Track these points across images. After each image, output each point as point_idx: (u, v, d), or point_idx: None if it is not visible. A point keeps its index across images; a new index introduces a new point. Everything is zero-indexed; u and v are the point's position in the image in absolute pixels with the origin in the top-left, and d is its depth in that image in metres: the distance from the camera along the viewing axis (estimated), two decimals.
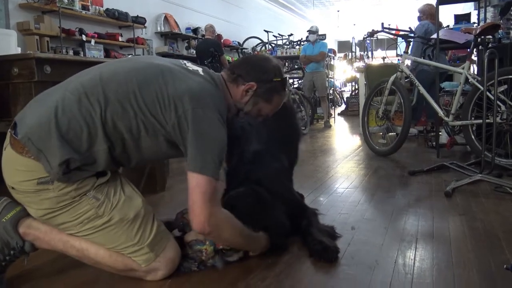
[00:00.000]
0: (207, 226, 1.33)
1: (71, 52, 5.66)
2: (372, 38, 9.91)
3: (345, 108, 10.15)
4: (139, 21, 7.02)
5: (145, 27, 7.23)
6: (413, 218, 2.10)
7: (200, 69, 1.54)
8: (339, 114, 9.60)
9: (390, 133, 4.21)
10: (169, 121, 1.37)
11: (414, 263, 1.56)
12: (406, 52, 3.84)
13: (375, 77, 4.87)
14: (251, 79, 1.55)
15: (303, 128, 6.35)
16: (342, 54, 12.10)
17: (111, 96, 1.37)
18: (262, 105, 1.60)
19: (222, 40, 8.84)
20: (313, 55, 7.02)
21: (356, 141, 5.29)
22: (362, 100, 5.34)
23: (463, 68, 3.43)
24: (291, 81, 7.52)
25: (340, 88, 13.13)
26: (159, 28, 7.79)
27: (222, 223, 1.39)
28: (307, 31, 7.29)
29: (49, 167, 1.32)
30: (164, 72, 1.43)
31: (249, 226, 1.54)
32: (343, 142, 5.44)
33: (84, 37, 5.93)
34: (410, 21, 6.84)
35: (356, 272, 1.51)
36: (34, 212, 1.41)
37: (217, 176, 1.34)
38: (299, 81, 8.45)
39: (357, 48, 11.08)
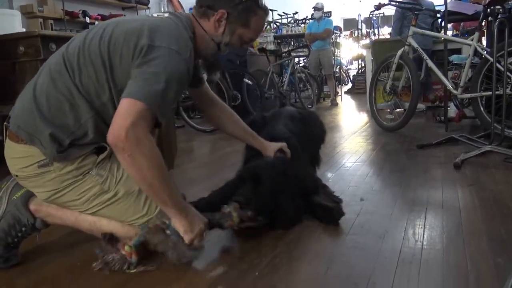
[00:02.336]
0: (122, 138, 1.19)
1: None
2: (378, 15, 9.78)
3: (351, 87, 10.06)
4: (143, 2, 6.96)
5: (148, 8, 7.17)
6: (422, 189, 2.09)
7: (167, 14, 1.45)
8: (345, 93, 9.51)
9: (398, 110, 4.17)
10: (127, 61, 1.30)
11: (424, 232, 1.56)
12: (414, 25, 3.76)
13: (382, 53, 4.80)
14: (219, 6, 1.45)
15: (310, 106, 6.32)
16: (348, 32, 11.91)
17: (82, 65, 1.34)
18: (241, 31, 1.48)
19: None
20: (318, 32, 6.92)
21: (363, 118, 5.25)
22: (369, 78, 5.28)
23: (472, 40, 3.37)
24: (296, 60, 7.43)
25: (347, 67, 12.99)
26: (162, 9, 7.71)
27: (141, 145, 1.22)
28: (312, 8, 7.18)
29: (43, 148, 1.33)
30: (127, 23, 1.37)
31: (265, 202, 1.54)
32: (350, 119, 5.40)
33: (87, 19, 5.89)
34: None
35: (366, 241, 1.51)
36: (40, 195, 1.42)
37: (156, 109, 1.23)
38: (305, 60, 8.36)
39: (363, 26, 10.91)
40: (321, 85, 7.88)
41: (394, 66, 3.88)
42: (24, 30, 3.02)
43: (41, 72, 1.41)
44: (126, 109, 1.22)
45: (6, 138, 1.42)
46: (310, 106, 6.37)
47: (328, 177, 2.43)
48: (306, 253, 1.45)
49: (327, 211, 1.67)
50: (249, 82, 5.24)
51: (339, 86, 8.95)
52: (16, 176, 1.42)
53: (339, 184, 2.26)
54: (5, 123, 1.43)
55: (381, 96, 4.21)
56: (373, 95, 4.22)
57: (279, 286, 1.24)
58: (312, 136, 2.21)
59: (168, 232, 1.36)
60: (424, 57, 3.73)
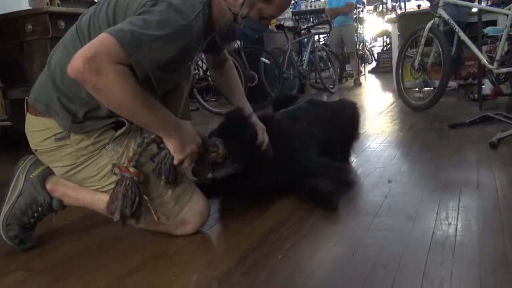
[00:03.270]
0: (80, 69, 1.14)
1: None
2: None
3: (376, 65, 9.92)
4: None
5: None
6: (455, 170, 2.06)
7: None
8: (369, 72, 9.41)
9: (427, 88, 4.10)
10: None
11: (458, 213, 1.54)
12: None
13: (410, 26, 4.70)
14: None
15: (331, 87, 6.27)
16: (371, 7, 11.69)
17: (92, 31, 1.35)
18: (261, 6, 1.45)
19: None
20: (339, 7, 6.80)
21: (389, 98, 5.18)
22: (395, 55, 5.19)
23: (509, 10, 3.26)
24: (316, 37, 7.36)
25: (370, 44, 12.79)
26: None
27: (103, 75, 1.16)
28: None
29: (59, 119, 1.37)
30: None
31: None
32: (375, 99, 5.34)
33: None
34: None
35: (395, 223, 1.50)
36: (58, 171, 1.45)
37: (131, 53, 1.18)
38: (326, 37, 8.27)
39: None
40: (343, 64, 7.79)
41: (423, 41, 3.80)
42: (30, 8, 3.05)
43: (57, 46, 1.45)
44: (94, 42, 1.18)
45: (27, 113, 1.46)
46: (332, 86, 6.31)
47: (354, 157, 2.42)
48: (331, 236, 1.45)
49: (317, 195, 1.69)
50: (267, 61, 5.21)
51: (363, 64, 8.84)
52: (35, 150, 1.46)
53: (364, 166, 2.24)
54: (25, 97, 1.47)
55: (408, 73, 4.15)
56: (400, 72, 4.15)
57: (304, 268, 1.24)
58: (340, 129, 2.20)
59: (161, 145, 1.38)
60: (456, 30, 3.64)
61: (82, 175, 1.43)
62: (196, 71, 5.15)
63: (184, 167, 1.41)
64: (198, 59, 5.05)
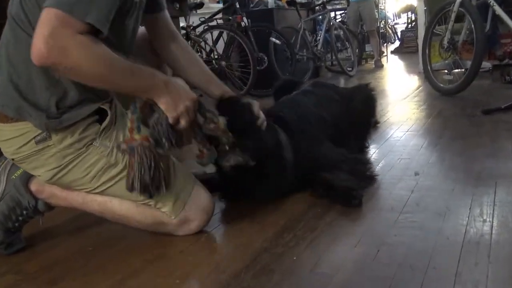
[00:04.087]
0: (44, 53, 1.15)
1: None
2: None
3: (399, 45, 9.84)
4: None
5: None
6: (491, 161, 2.04)
7: None
8: (392, 52, 9.32)
9: (458, 69, 4.06)
10: None
11: (493, 209, 1.53)
12: None
13: (438, 1, 4.65)
14: None
15: (350, 69, 6.23)
16: None
17: (29, 13, 1.31)
18: None
19: None
20: None
21: (414, 81, 5.14)
22: (421, 33, 5.15)
23: None
24: (332, 14, 7.31)
25: (393, 21, 12.68)
26: None
27: (70, 52, 1.17)
28: None
29: (33, 120, 1.34)
30: None
31: None
32: (399, 83, 5.31)
33: None
34: None
35: (423, 220, 1.49)
36: (43, 176, 1.44)
37: (80, 13, 1.17)
38: (343, 13, 8.20)
39: None
40: (363, 43, 7.74)
41: (453, 16, 3.76)
42: None
43: (6, 30, 1.39)
44: (42, 21, 1.16)
45: None
46: (350, 69, 6.27)
47: (376, 147, 2.41)
48: (351, 234, 1.45)
49: (336, 191, 1.69)
50: (277, 41, 5.19)
51: (384, 44, 8.77)
52: (13, 159, 1.44)
53: (388, 157, 2.23)
54: None
55: (437, 53, 4.11)
56: (427, 52, 4.12)
57: (322, 271, 1.24)
58: (352, 114, 2.20)
59: (154, 108, 1.36)
60: (491, 4, 3.60)
61: (70, 177, 1.42)
62: (199, 53, 5.15)
63: (181, 127, 1.37)
64: (201, 40, 5.05)
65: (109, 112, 1.41)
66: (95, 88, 1.34)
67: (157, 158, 1.34)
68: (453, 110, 3.26)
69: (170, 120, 1.34)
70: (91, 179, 1.42)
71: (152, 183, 1.34)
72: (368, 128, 2.36)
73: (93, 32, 1.20)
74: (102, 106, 1.40)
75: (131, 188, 1.34)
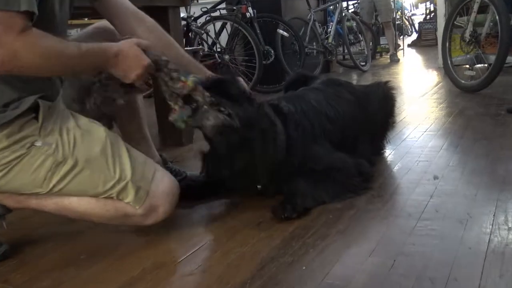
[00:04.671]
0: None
1: None
2: None
3: (417, 37, 9.84)
4: None
5: None
6: None
7: None
8: (409, 45, 9.32)
9: (480, 64, 4.05)
10: None
11: None
12: None
13: None
14: None
15: (363, 64, 6.22)
16: None
17: None
18: None
19: None
20: None
21: (433, 77, 5.13)
22: (441, 25, 5.14)
23: None
24: (345, 4, 7.29)
25: (410, 12, 12.65)
26: None
27: (23, 57, 1.24)
28: None
29: None
30: None
31: None
32: (416, 79, 5.29)
33: None
34: None
35: (443, 228, 1.49)
36: None
37: (14, 6, 1.19)
38: (356, 3, 8.19)
39: None
40: (377, 36, 7.73)
41: (476, 7, 3.76)
42: None
43: None
44: None
45: None
46: (363, 63, 6.27)
47: (391, 148, 2.41)
48: (365, 243, 1.45)
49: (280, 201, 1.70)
50: (285, 33, 5.19)
51: (401, 37, 8.75)
52: None
53: (404, 160, 2.23)
54: None
55: (458, 47, 4.12)
56: (447, 46, 4.12)
57: (334, 282, 1.24)
58: (368, 115, 2.20)
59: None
60: None
61: (17, 183, 1.40)
62: (200, 46, 5.16)
63: (138, 85, 1.50)
64: (203, 32, 5.05)
65: (41, 104, 1.39)
66: (35, 81, 1.37)
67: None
68: (475, 109, 3.25)
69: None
70: (42, 182, 1.40)
71: None
72: (386, 130, 2.36)
73: (29, 18, 1.24)
74: (38, 100, 1.38)
75: None
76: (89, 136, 1.45)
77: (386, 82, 2.41)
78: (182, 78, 1.51)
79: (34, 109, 1.38)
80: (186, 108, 1.53)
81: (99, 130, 1.48)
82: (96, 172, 1.42)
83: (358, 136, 2.13)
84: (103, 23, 1.82)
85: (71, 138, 1.42)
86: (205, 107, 1.55)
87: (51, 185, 1.41)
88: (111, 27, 1.75)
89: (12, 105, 1.35)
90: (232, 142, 1.63)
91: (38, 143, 1.38)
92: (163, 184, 1.52)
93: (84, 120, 1.49)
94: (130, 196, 1.45)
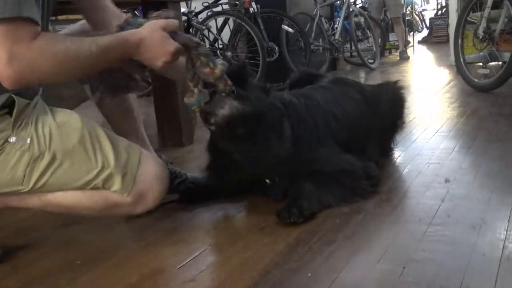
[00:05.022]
0: (11, 73, 1.23)
1: None
2: None
3: (427, 34, 9.82)
4: None
5: None
6: None
7: None
8: (419, 42, 9.31)
9: (494, 62, 4.04)
10: None
11: None
12: None
13: None
14: None
15: (371, 61, 6.22)
16: None
17: None
18: None
19: None
20: None
21: (444, 75, 5.12)
22: (453, 21, 5.13)
23: None
24: None
25: (421, 7, 12.65)
26: None
27: (30, 73, 1.27)
28: None
29: None
30: None
31: None
32: (427, 77, 5.29)
33: None
34: None
35: (455, 233, 1.49)
36: None
37: (18, 10, 1.21)
38: None
39: None
40: (386, 32, 7.72)
41: (489, 2, 3.75)
42: None
43: None
44: None
45: None
46: (372, 61, 6.27)
47: (401, 150, 2.41)
48: (374, 249, 1.45)
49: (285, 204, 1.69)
50: (290, 29, 5.20)
51: (411, 33, 8.75)
52: None
53: (415, 162, 2.23)
54: None
55: (470, 44, 4.10)
56: (459, 43, 4.12)
57: None
58: (376, 115, 2.20)
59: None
60: None
61: None
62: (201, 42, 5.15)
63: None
64: (205, 28, 5.06)
65: (16, 100, 1.38)
66: None
67: None
68: (489, 109, 3.24)
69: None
70: (22, 180, 1.40)
71: None
72: (394, 132, 2.35)
73: (36, 23, 1.25)
74: (14, 96, 1.38)
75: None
76: (65, 127, 1.44)
77: (396, 82, 2.41)
78: (211, 65, 1.50)
79: (8, 106, 1.38)
80: (204, 94, 1.54)
81: (75, 120, 1.47)
82: (76, 163, 1.42)
83: (366, 137, 2.13)
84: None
85: (47, 132, 1.41)
86: (223, 94, 1.56)
87: (32, 182, 1.41)
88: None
89: None
90: (239, 134, 1.65)
91: (12, 139, 1.39)
92: (150, 167, 1.51)
93: (61, 113, 1.49)
94: (116, 184, 1.45)
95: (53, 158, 1.40)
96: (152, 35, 1.41)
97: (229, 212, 1.83)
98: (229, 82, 1.54)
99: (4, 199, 1.48)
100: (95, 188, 1.45)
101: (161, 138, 2.91)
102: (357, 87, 2.27)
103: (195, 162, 2.50)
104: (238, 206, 1.86)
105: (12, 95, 1.37)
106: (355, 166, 1.88)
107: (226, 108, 1.56)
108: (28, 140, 1.39)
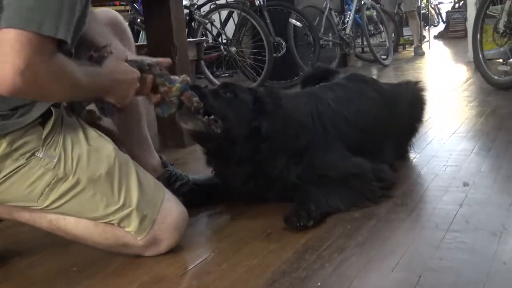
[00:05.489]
0: (15, 89, 1.19)
1: None
2: None
3: (444, 28, 9.81)
4: None
5: None
6: None
7: None
8: (435, 37, 9.30)
9: None
10: None
11: None
12: None
13: None
14: None
15: (384, 57, 6.21)
16: None
17: None
18: None
19: None
20: None
21: (462, 72, 5.11)
22: (471, 14, 5.12)
23: None
24: None
25: (437, 0, 12.63)
26: None
27: (42, 84, 1.25)
28: None
29: None
30: None
31: None
32: (443, 74, 5.28)
33: None
34: None
35: (474, 240, 1.48)
36: None
37: (49, 28, 1.21)
38: None
39: None
40: (400, 27, 7.71)
41: None
42: None
43: None
44: (9, 45, 1.17)
45: None
46: (385, 57, 6.26)
47: (416, 151, 2.41)
48: (387, 257, 1.44)
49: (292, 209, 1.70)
50: (297, 23, 5.20)
51: (426, 27, 8.72)
52: None
53: (431, 164, 2.23)
54: None
55: (490, 39, 4.10)
56: (478, 38, 4.11)
57: None
58: (394, 116, 2.21)
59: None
60: None
61: (10, 196, 1.39)
62: (204, 37, 5.17)
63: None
64: (207, 21, 5.06)
65: (54, 112, 1.39)
66: None
67: None
68: (509, 108, 3.23)
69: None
70: (37, 198, 1.39)
71: None
72: (412, 134, 2.37)
73: (58, 43, 1.25)
74: (52, 108, 1.39)
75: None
76: (96, 153, 1.44)
77: (417, 82, 2.41)
78: (167, 84, 1.59)
79: (42, 115, 1.38)
80: (174, 104, 1.61)
81: (107, 148, 1.47)
82: (98, 194, 1.41)
83: (381, 138, 2.12)
84: (113, 14, 1.84)
85: (76, 154, 1.41)
86: (186, 111, 1.63)
87: (47, 202, 1.40)
88: (120, 17, 1.77)
89: (22, 109, 1.34)
90: (212, 147, 1.80)
91: (39, 154, 1.38)
92: (172, 215, 1.51)
93: (93, 134, 1.49)
94: (133, 225, 1.45)
95: (76, 183, 1.40)
96: (118, 69, 1.47)
97: (233, 217, 1.83)
98: (195, 99, 1.62)
99: (14, 212, 1.47)
100: (109, 223, 1.45)
101: (161, 137, 2.91)
102: (375, 85, 2.26)
103: (197, 163, 2.50)
104: (243, 210, 1.86)
105: (51, 107, 1.38)
106: (364, 169, 1.88)
107: (190, 124, 1.67)
108: (55, 159, 1.39)
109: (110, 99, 1.48)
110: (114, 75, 1.46)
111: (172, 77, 1.62)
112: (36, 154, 1.37)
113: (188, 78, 1.64)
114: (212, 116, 1.68)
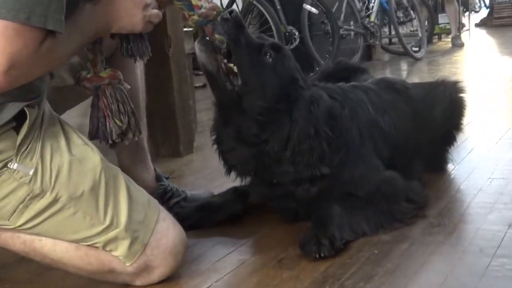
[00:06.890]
0: (3, 83, 1.26)
1: None
2: None
3: (487, 15, 9.80)
4: None
5: None
6: None
7: None
8: (477, 25, 9.29)
9: None
10: None
11: None
12: None
13: None
14: None
15: (416, 50, 6.21)
16: None
17: None
18: None
19: None
20: None
21: (509, 67, 5.10)
22: None
23: None
24: None
25: None
26: None
27: (32, 65, 1.31)
28: None
29: None
30: None
31: None
32: (486, 69, 5.27)
33: None
34: None
35: None
36: None
37: (38, 18, 1.25)
38: None
39: None
40: (435, 13, 7.71)
41: None
42: None
43: None
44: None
45: None
46: (417, 49, 6.26)
47: (455, 161, 2.41)
48: (423, 286, 1.45)
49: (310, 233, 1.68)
50: (313, 10, 5.21)
51: (466, 14, 8.72)
52: None
53: (473, 177, 2.23)
54: None
55: None
56: None
57: None
58: (429, 128, 2.22)
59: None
60: None
61: None
62: None
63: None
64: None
65: (29, 113, 1.38)
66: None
67: (129, 100, 1.57)
68: None
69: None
70: (9, 216, 1.38)
71: (128, 127, 1.55)
72: (450, 144, 2.38)
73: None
74: (26, 108, 1.37)
75: (93, 135, 1.51)
76: (79, 165, 1.43)
77: (456, 82, 2.41)
78: (186, 10, 1.60)
79: (15, 117, 1.37)
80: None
81: (93, 159, 1.46)
82: (80, 213, 1.40)
83: (411, 156, 2.14)
84: None
85: (55, 165, 1.40)
86: (208, 41, 1.66)
87: (21, 221, 1.39)
88: None
89: None
90: (220, 99, 1.80)
91: (13, 165, 1.36)
92: (167, 238, 1.50)
93: (77, 140, 1.48)
94: (120, 249, 1.43)
95: (54, 200, 1.39)
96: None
97: (240, 239, 1.82)
98: (218, 36, 1.63)
99: None
100: (92, 246, 1.44)
101: (153, 146, 2.90)
102: (406, 95, 2.24)
103: (195, 176, 2.51)
104: (250, 232, 1.86)
105: (25, 108, 1.37)
106: (396, 189, 1.89)
107: (204, 57, 1.68)
108: (31, 172, 1.37)
109: (119, 31, 1.53)
110: (105, 13, 1.49)
111: (194, 1, 1.60)
112: (9, 165, 1.36)
113: (214, 11, 1.62)
114: (233, 66, 1.67)
